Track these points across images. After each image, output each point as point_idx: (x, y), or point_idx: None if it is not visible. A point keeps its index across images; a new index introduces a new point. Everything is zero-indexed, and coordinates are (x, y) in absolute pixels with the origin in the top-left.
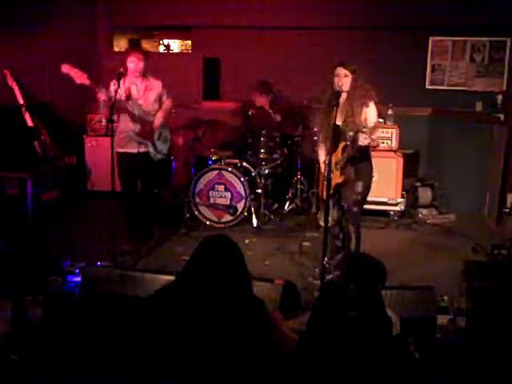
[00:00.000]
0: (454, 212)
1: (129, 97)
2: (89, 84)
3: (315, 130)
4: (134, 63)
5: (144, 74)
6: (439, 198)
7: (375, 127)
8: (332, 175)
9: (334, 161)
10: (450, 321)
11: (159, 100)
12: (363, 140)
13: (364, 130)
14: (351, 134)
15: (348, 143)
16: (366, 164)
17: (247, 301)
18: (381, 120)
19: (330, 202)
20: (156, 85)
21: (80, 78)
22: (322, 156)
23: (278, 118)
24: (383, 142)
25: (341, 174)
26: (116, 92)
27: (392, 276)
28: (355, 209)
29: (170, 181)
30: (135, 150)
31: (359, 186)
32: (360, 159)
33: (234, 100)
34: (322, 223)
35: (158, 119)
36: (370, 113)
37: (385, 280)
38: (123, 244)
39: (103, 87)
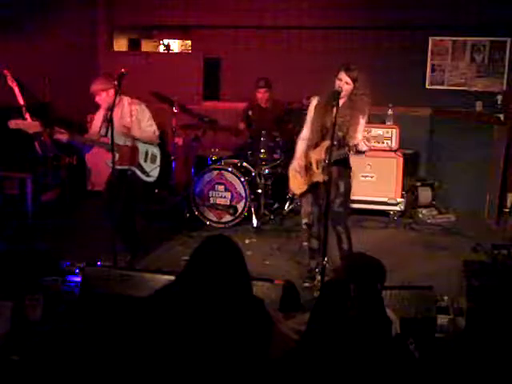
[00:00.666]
0: (453, 212)
1: (102, 124)
2: (42, 130)
3: None
4: (97, 96)
5: (119, 99)
6: (439, 197)
7: (369, 138)
8: (311, 172)
9: (315, 158)
10: (450, 321)
11: (138, 123)
12: (363, 146)
13: (366, 135)
14: (340, 134)
15: (335, 143)
16: (347, 164)
17: (247, 301)
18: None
19: (305, 200)
20: (134, 110)
21: (32, 127)
22: (299, 152)
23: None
24: (383, 142)
25: (322, 173)
26: (116, 92)
27: (392, 276)
28: (341, 209)
29: (170, 181)
30: (117, 173)
31: (342, 187)
32: (342, 160)
33: (234, 100)
34: (306, 221)
35: (127, 130)
36: (362, 123)
37: (384, 279)
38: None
39: (59, 129)
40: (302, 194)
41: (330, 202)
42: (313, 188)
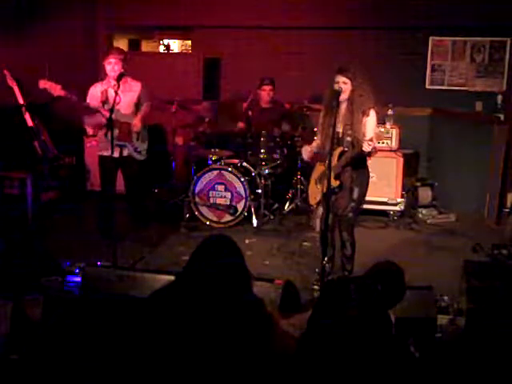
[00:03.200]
0: (454, 212)
1: (105, 101)
2: (64, 95)
3: (315, 129)
4: (110, 64)
5: (122, 75)
6: (439, 197)
7: (378, 136)
8: (325, 180)
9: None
10: (450, 321)
11: (138, 102)
12: (367, 147)
13: (367, 138)
14: (349, 139)
15: (346, 149)
16: (363, 171)
17: (247, 301)
18: (382, 129)
19: (321, 207)
20: (135, 86)
21: (57, 90)
22: (305, 154)
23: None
24: (383, 142)
25: (335, 179)
26: (116, 93)
27: None
28: (350, 215)
29: (169, 180)
30: (117, 155)
31: (355, 193)
32: (357, 166)
33: (234, 100)
34: (314, 227)
35: (137, 123)
36: (370, 122)
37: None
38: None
39: (77, 96)
40: (319, 203)
41: (343, 207)
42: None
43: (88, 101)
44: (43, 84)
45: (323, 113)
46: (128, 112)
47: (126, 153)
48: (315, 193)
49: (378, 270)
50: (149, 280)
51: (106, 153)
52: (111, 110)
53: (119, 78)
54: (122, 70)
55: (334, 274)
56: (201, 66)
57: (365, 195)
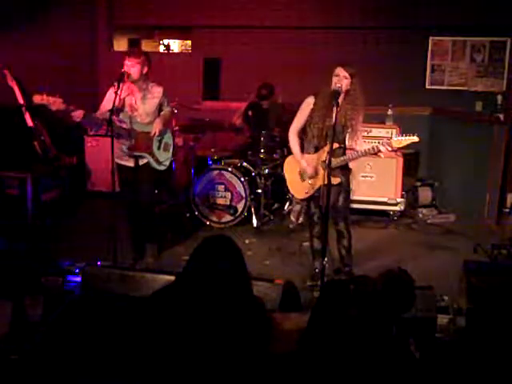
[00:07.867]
0: (453, 212)
1: (121, 109)
2: (64, 108)
3: None
4: (128, 66)
5: (144, 80)
6: (439, 197)
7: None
8: (318, 176)
9: (321, 161)
10: (450, 321)
11: (159, 109)
12: (385, 150)
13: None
14: (344, 135)
15: (342, 145)
16: (347, 166)
17: (247, 301)
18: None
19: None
20: (157, 92)
21: (56, 104)
22: (298, 153)
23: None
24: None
25: (333, 176)
26: (116, 94)
27: None
28: (344, 205)
29: (169, 181)
30: (132, 164)
31: (344, 183)
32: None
33: (234, 100)
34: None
35: (156, 127)
36: (361, 121)
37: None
38: (147, 257)
39: (78, 108)
40: (309, 198)
41: (334, 199)
42: (317, 190)
43: (104, 103)
44: (38, 99)
45: (319, 111)
46: (147, 121)
47: (142, 162)
48: (303, 187)
49: (389, 277)
50: (149, 280)
51: (122, 161)
52: (111, 111)
53: (120, 79)
54: (139, 75)
55: (332, 268)
56: (201, 66)
57: (350, 189)
